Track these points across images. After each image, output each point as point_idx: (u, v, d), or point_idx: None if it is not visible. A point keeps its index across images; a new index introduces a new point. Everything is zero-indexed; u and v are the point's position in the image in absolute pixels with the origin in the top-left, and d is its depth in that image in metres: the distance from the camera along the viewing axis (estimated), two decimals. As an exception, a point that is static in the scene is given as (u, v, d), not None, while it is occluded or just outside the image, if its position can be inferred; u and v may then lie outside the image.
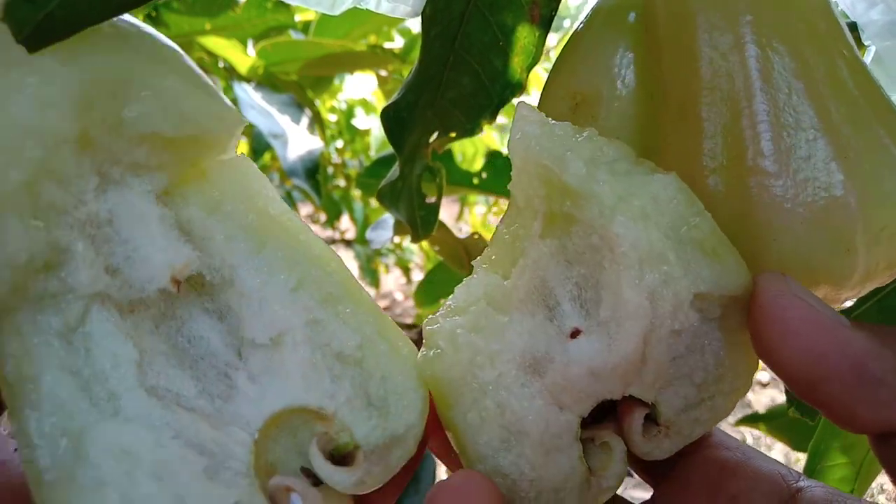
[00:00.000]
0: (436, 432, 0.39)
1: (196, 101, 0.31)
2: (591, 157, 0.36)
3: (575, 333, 0.36)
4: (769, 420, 1.09)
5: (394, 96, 0.52)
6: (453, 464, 0.42)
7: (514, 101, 0.51)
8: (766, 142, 0.37)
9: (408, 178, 0.57)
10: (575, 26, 0.49)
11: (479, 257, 0.42)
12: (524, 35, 0.50)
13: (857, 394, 0.30)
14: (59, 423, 0.28)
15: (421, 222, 0.60)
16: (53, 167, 0.28)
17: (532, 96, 1.61)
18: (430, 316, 0.39)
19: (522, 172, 0.38)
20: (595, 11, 0.47)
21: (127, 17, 0.31)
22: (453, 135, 0.53)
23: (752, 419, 1.13)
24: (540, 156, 0.36)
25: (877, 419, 0.30)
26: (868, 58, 0.54)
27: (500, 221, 0.41)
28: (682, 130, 0.39)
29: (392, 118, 0.52)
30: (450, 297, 0.40)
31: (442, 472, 1.82)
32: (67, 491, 0.27)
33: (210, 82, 0.33)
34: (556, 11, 0.50)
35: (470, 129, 0.53)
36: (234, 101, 1.57)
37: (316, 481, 0.33)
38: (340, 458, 0.33)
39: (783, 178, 0.36)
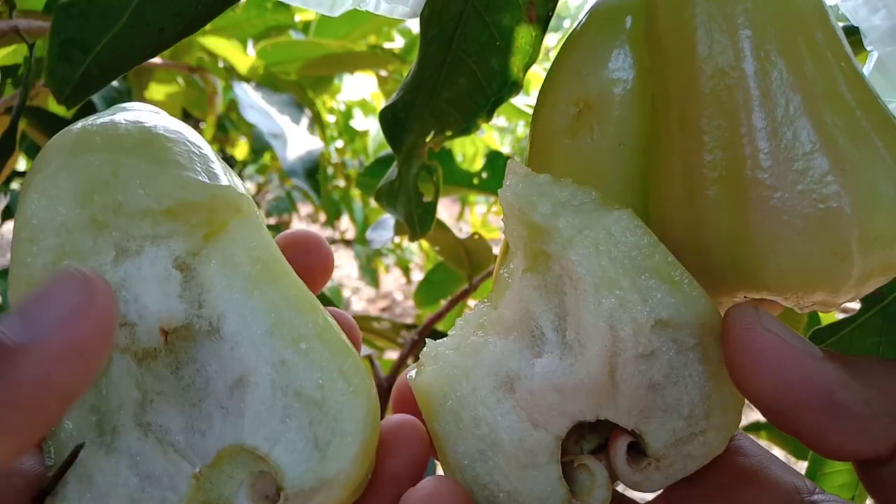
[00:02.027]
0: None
1: (167, 179, 0.37)
2: (560, 200, 0.39)
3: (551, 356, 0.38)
4: (770, 427, 1.09)
5: (391, 98, 0.52)
6: None
7: (514, 100, 0.52)
8: (763, 155, 0.37)
9: (405, 177, 0.57)
10: (571, 29, 0.48)
11: (487, 297, 0.44)
12: (521, 35, 0.50)
13: (826, 423, 0.31)
14: (68, 447, 0.34)
15: (418, 221, 0.61)
16: (71, 249, 0.36)
17: (532, 96, 1.60)
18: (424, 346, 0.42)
19: (508, 218, 0.41)
20: (591, 15, 0.47)
21: (117, 117, 0.38)
22: (449, 133, 0.53)
23: (753, 428, 1.13)
24: (518, 201, 0.40)
25: (847, 448, 0.31)
26: (870, 63, 0.54)
27: (499, 265, 0.44)
28: (683, 141, 0.40)
29: (390, 120, 0.52)
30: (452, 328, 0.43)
31: (441, 472, 1.82)
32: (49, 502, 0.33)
33: (191, 159, 0.38)
34: (553, 11, 0.50)
35: (466, 128, 0.53)
36: (234, 101, 1.57)
37: None
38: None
39: (781, 190, 0.36)
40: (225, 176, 0.39)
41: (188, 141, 0.39)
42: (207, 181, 0.38)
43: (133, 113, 0.39)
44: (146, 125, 0.38)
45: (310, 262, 0.43)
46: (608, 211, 0.38)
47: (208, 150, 0.40)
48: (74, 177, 0.36)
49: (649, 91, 0.43)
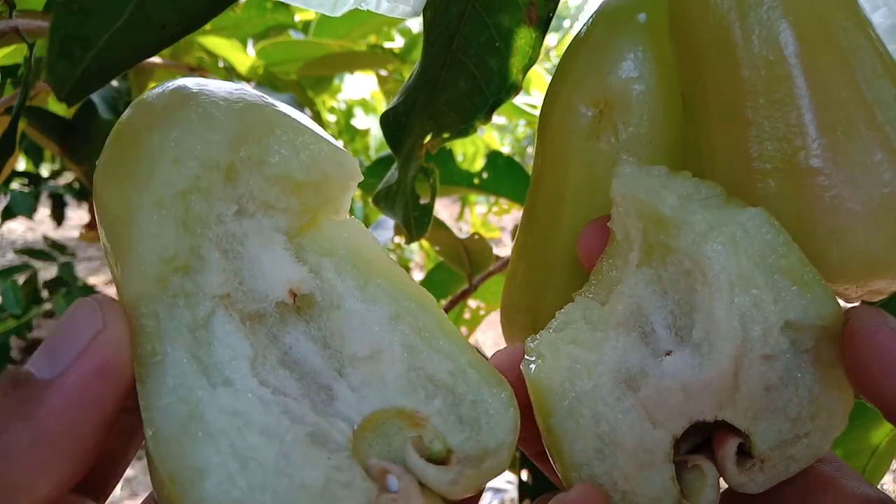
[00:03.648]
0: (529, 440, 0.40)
1: (323, 151, 0.37)
2: (685, 193, 0.38)
3: (667, 355, 0.38)
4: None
5: (393, 101, 0.52)
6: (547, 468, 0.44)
7: (514, 99, 0.51)
8: (818, 142, 0.37)
9: (403, 180, 0.57)
10: (576, 29, 0.48)
11: (582, 289, 0.43)
12: (521, 36, 0.50)
13: None
14: (180, 392, 0.32)
15: (415, 223, 0.60)
16: (205, 186, 0.35)
17: (533, 97, 1.60)
18: (531, 336, 0.41)
19: (621, 208, 0.40)
20: (598, 15, 0.46)
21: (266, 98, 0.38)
22: (447, 135, 0.53)
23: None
24: (637, 191, 0.39)
25: None
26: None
27: (601, 258, 0.43)
28: (729, 134, 0.39)
29: (391, 123, 0.52)
30: (550, 321, 0.42)
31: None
32: (181, 442, 0.31)
33: (331, 138, 0.38)
34: (553, 13, 0.50)
35: (464, 130, 0.53)
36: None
37: None
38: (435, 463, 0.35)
39: (838, 177, 0.36)
40: None
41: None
42: (357, 168, 0.38)
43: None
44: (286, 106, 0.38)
45: None
46: (740, 208, 0.37)
47: None
48: (235, 116, 0.35)
49: (676, 87, 0.43)
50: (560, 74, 0.47)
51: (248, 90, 0.37)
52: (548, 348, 0.39)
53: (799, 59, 0.37)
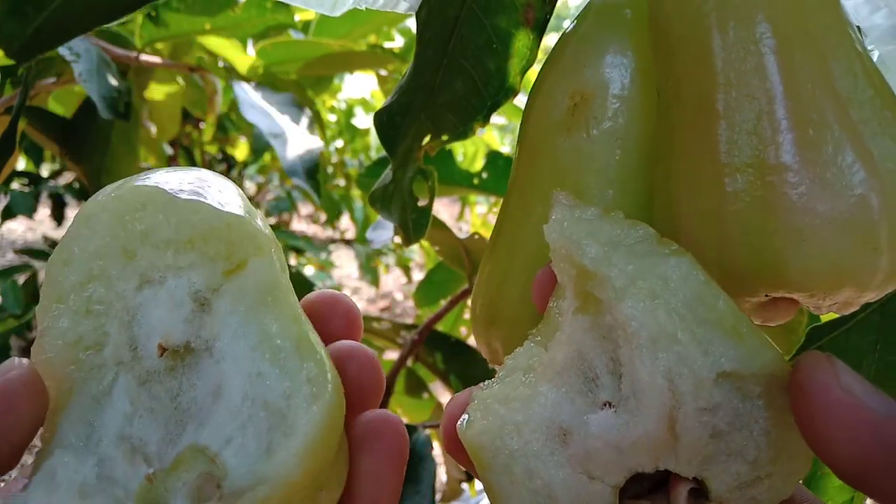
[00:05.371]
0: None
1: (187, 208, 0.40)
2: (610, 239, 0.37)
3: (606, 405, 0.37)
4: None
5: (387, 100, 0.52)
6: None
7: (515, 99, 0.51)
8: (789, 139, 0.36)
9: (400, 181, 0.57)
10: (567, 26, 0.48)
11: (535, 329, 0.42)
12: (518, 38, 0.50)
13: None
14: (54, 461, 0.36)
15: (413, 226, 0.60)
16: (99, 273, 0.39)
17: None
18: (480, 385, 0.41)
19: (555, 254, 0.40)
20: (586, 10, 0.46)
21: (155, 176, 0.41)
22: (445, 138, 0.53)
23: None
24: (564, 240, 0.38)
25: None
26: (871, 62, 0.54)
27: (552, 297, 0.42)
28: (699, 130, 0.38)
29: (385, 122, 0.52)
30: (501, 367, 0.42)
31: (441, 472, 1.82)
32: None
33: (209, 194, 0.41)
34: (550, 14, 0.50)
35: (462, 132, 0.53)
36: (234, 100, 1.57)
37: None
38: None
39: (808, 175, 0.35)
40: (243, 210, 0.41)
41: (209, 179, 0.42)
42: (222, 209, 0.40)
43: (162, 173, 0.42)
44: (175, 173, 0.42)
45: (336, 323, 0.44)
46: (664, 256, 0.36)
47: (233, 190, 0.42)
48: (110, 211, 0.39)
49: (653, 84, 0.42)
50: (545, 66, 0.47)
51: (136, 180, 0.41)
52: (478, 409, 0.39)
53: (774, 52, 0.37)
